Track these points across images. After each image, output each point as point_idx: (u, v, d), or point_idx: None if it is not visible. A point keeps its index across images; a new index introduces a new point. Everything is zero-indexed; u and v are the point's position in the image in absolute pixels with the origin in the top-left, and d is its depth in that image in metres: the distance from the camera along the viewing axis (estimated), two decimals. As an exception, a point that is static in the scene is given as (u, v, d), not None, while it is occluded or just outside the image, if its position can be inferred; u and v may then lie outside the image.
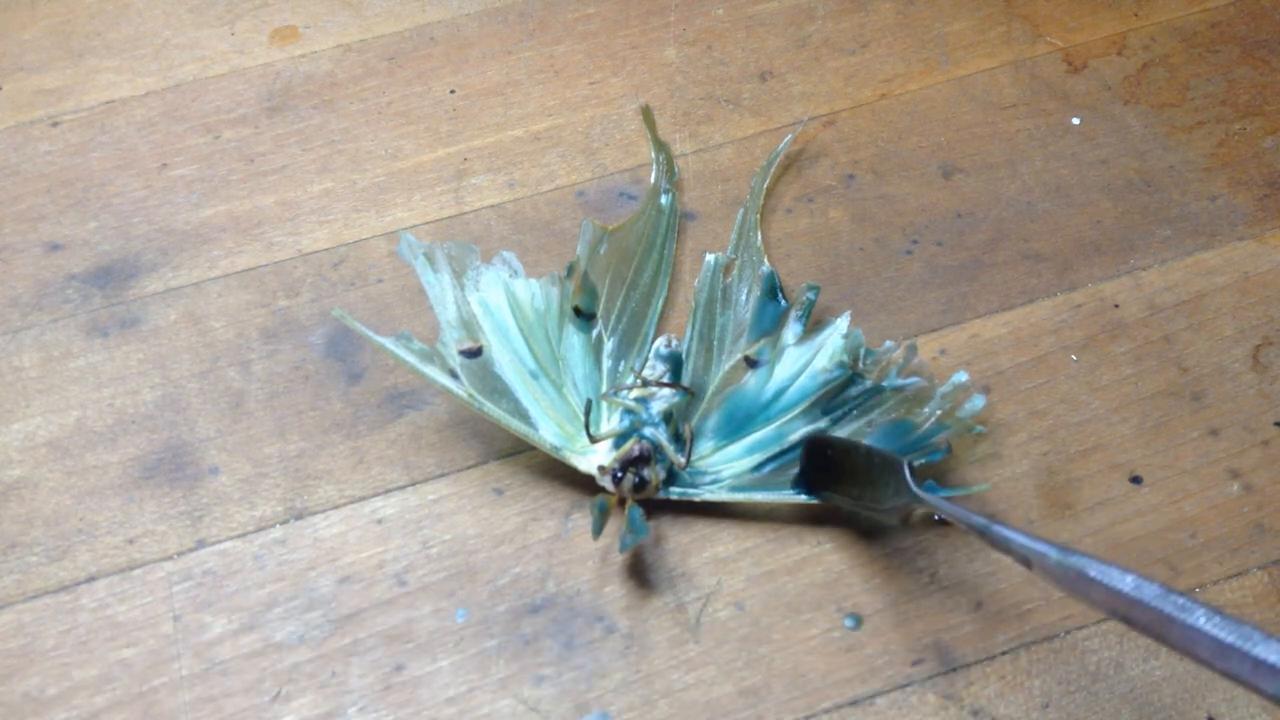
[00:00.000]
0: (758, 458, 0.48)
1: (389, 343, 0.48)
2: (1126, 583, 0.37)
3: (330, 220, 0.56)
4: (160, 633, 0.46)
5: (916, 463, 0.47)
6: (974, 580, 0.46)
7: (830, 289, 0.53)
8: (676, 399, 0.49)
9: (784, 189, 0.57)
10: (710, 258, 0.53)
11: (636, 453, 0.47)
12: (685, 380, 0.50)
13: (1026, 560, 0.39)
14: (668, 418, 0.48)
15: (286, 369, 0.52)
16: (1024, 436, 0.49)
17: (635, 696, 0.44)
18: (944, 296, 0.53)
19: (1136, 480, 0.48)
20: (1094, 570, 0.37)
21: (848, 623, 0.46)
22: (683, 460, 0.47)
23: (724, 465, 0.48)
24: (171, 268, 0.55)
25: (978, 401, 0.48)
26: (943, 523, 0.47)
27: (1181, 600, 0.36)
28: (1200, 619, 0.35)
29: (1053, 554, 0.38)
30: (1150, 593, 0.36)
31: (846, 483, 0.46)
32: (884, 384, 0.49)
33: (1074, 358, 0.51)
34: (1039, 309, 0.53)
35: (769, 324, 0.51)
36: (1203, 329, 0.52)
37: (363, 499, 0.49)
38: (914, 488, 0.42)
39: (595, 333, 0.51)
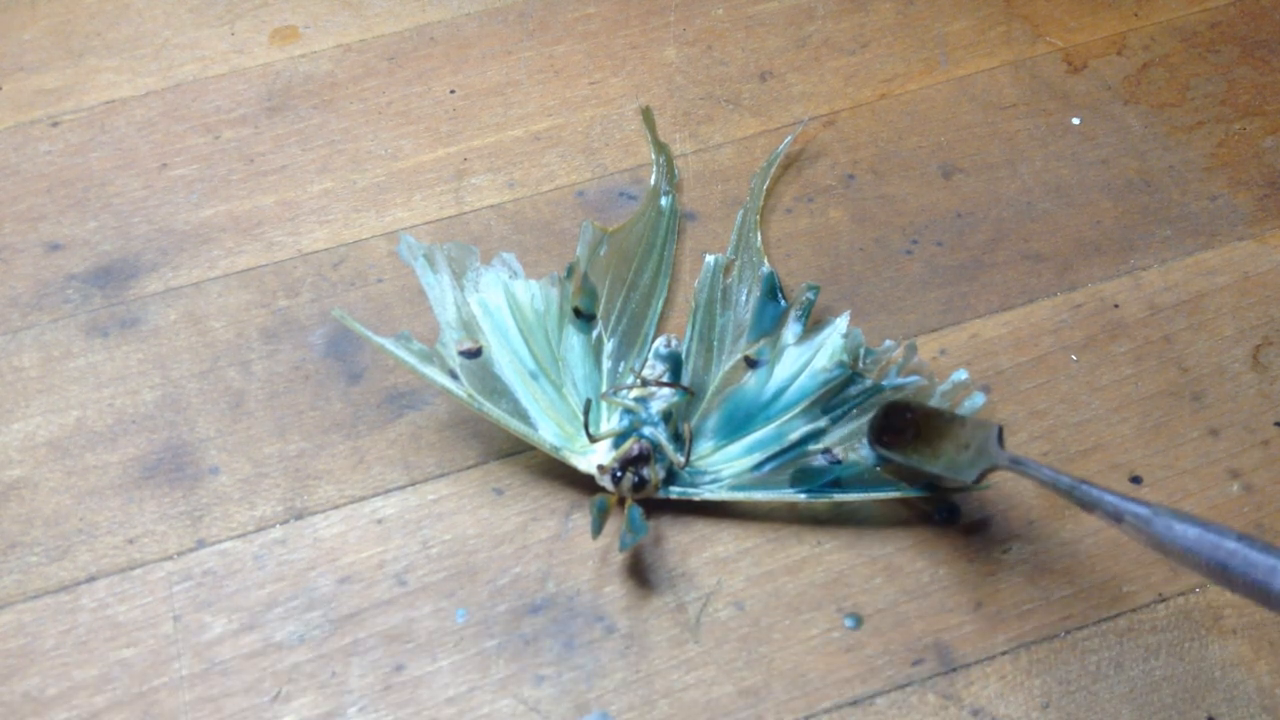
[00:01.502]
0: (757, 457, 0.48)
1: (389, 343, 0.48)
2: (1219, 541, 0.37)
3: (330, 220, 0.56)
4: (160, 633, 0.46)
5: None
6: (974, 580, 0.46)
7: (830, 289, 0.53)
8: (676, 398, 0.49)
9: (784, 189, 0.57)
10: (710, 258, 0.53)
11: (636, 452, 0.47)
12: (685, 380, 0.50)
13: (1117, 517, 0.39)
14: (667, 417, 0.48)
15: (286, 369, 0.52)
16: (1024, 436, 0.49)
17: (635, 696, 0.44)
18: (944, 296, 0.53)
19: (1136, 480, 0.48)
20: (1183, 528, 0.37)
21: (848, 623, 0.46)
22: (682, 459, 0.47)
23: (724, 465, 0.48)
24: (171, 268, 0.55)
25: (977, 399, 0.48)
26: (944, 522, 0.47)
27: (1279, 556, 0.35)
28: None
29: (1144, 512, 0.38)
30: (1245, 550, 0.36)
31: (921, 444, 0.46)
32: (884, 383, 0.49)
33: (1074, 358, 0.51)
34: (1039, 309, 0.53)
35: (769, 324, 0.51)
36: (1203, 329, 0.52)
37: (363, 499, 0.49)
38: (1004, 451, 0.43)
39: (595, 333, 0.51)
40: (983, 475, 0.44)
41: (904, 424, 0.47)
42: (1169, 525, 0.38)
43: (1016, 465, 0.43)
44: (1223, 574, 0.37)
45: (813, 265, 0.54)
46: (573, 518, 0.48)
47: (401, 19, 0.63)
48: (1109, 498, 0.39)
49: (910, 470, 0.47)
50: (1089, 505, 0.40)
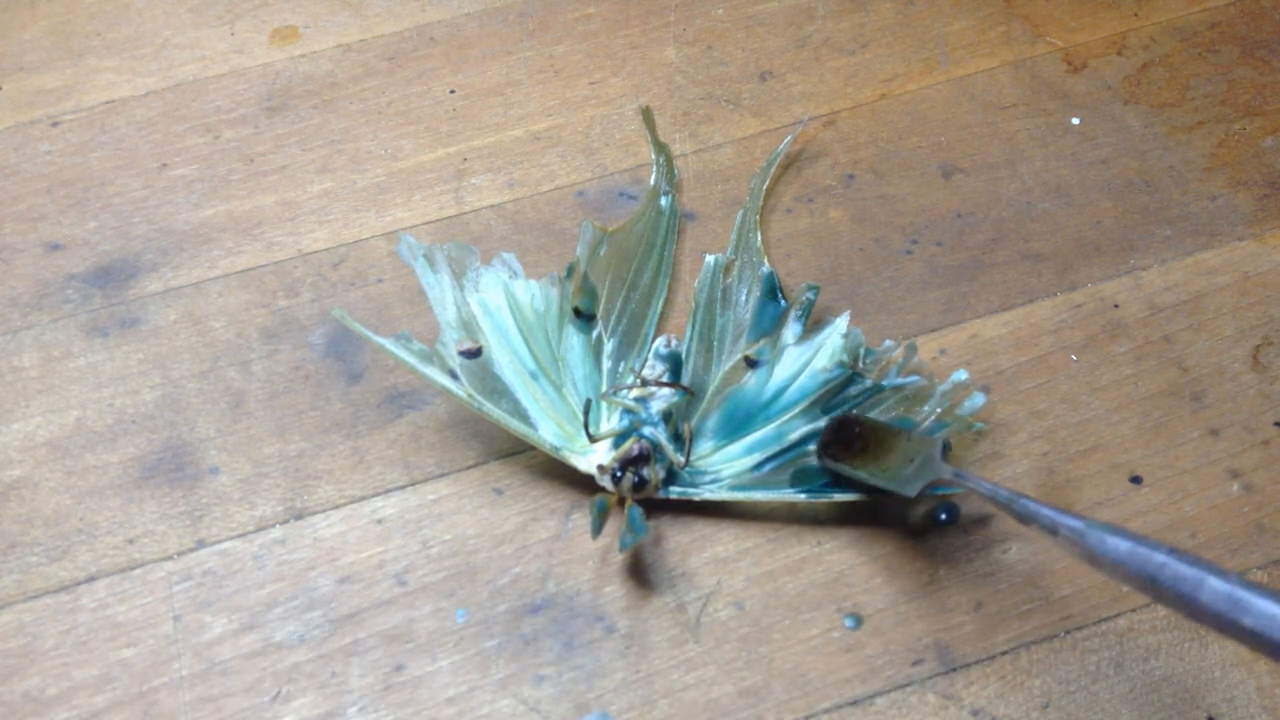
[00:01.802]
0: (757, 457, 0.48)
1: (389, 343, 0.48)
2: (1149, 555, 0.37)
3: (330, 220, 0.56)
4: (160, 633, 0.46)
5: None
6: (974, 580, 0.46)
7: (830, 289, 0.53)
8: (676, 398, 0.49)
9: (784, 189, 0.57)
10: (710, 258, 0.53)
11: (636, 452, 0.47)
12: (685, 380, 0.50)
13: (1052, 530, 0.39)
14: (667, 417, 0.48)
15: (286, 369, 0.52)
16: (1024, 436, 0.49)
17: (635, 696, 0.44)
18: (944, 296, 0.53)
19: (1136, 480, 0.48)
20: (1115, 541, 0.38)
21: (848, 623, 0.46)
22: (682, 459, 0.47)
23: (724, 465, 0.48)
24: (171, 268, 0.55)
25: (977, 399, 0.48)
26: (944, 522, 0.47)
27: (1205, 569, 0.36)
28: (1218, 586, 0.36)
29: (1078, 525, 0.39)
30: (1174, 563, 0.37)
31: (868, 457, 0.46)
32: (884, 383, 0.49)
33: (1074, 358, 0.51)
34: (1039, 309, 0.53)
35: (769, 324, 0.51)
36: (1203, 329, 0.52)
37: (363, 499, 0.49)
38: (945, 465, 0.43)
39: (595, 333, 0.51)
40: (925, 488, 0.44)
41: (852, 437, 0.47)
42: (1101, 539, 0.38)
43: (958, 478, 0.43)
44: (1152, 587, 0.37)
45: (813, 265, 0.54)
46: (573, 518, 0.48)
47: (401, 19, 0.63)
48: (1045, 511, 0.40)
49: (855, 481, 0.47)
50: (1026, 518, 0.40)
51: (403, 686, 0.45)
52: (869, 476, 0.46)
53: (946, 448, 0.44)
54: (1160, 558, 0.37)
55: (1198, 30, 0.62)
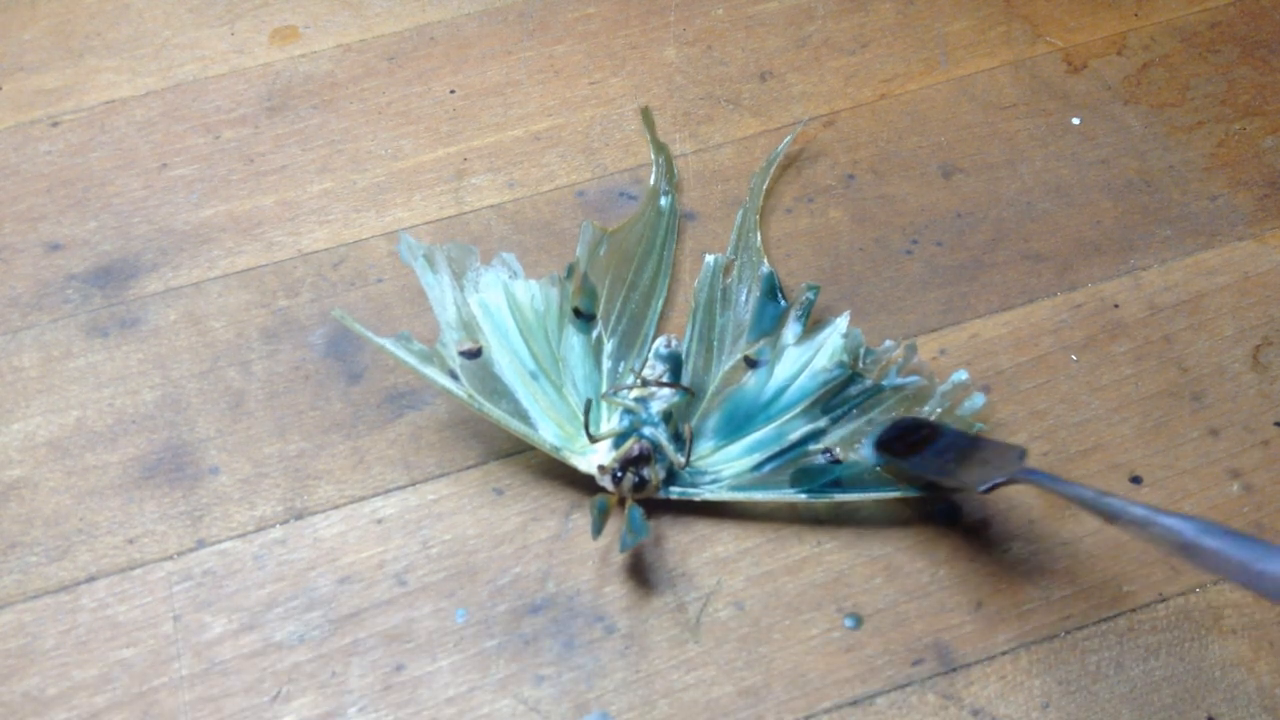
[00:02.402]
0: (757, 457, 0.48)
1: (389, 343, 0.48)
2: (1249, 545, 0.37)
3: (330, 220, 0.56)
4: (160, 633, 0.46)
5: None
6: (974, 580, 0.46)
7: (830, 289, 0.53)
8: (676, 399, 0.49)
9: (784, 189, 0.57)
10: (710, 258, 0.53)
11: (636, 452, 0.47)
12: (685, 380, 0.50)
13: (1146, 525, 0.39)
14: (667, 417, 0.48)
15: (286, 369, 0.52)
16: (1024, 436, 0.49)
17: (635, 696, 0.44)
18: (944, 296, 0.53)
19: (1136, 480, 0.48)
20: (1212, 538, 0.38)
21: (848, 623, 0.46)
22: (683, 460, 0.47)
23: (724, 465, 0.48)
24: (171, 268, 0.55)
25: (977, 400, 0.48)
26: (944, 522, 0.47)
27: None
28: None
29: (1172, 521, 0.38)
30: (1274, 553, 0.37)
31: (929, 456, 0.46)
32: (884, 383, 0.49)
33: (1074, 358, 0.51)
34: (1039, 309, 0.53)
35: (769, 324, 0.51)
36: (1203, 329, 0.52)
37: (363, 499, 0.49)
38: (1028, 469, 0.43)
39: (595, 333, 0.51)
40: (995, 487, 0.43)
41: (918, 440, 0.47)
42: (1201, 532, 0.38)
43: (1033, 478, 0.43)
44: (1255, 576, 0.37)
45: (813, 265, 0.54)
46: (573, 518, 0.48)
47: (401, 19, 0.63)
48: (1136, 509, 0.39)
49: (911, 475, 0.47)
50: (1112, 516, 0.40)
51: (403, 686, 0.45)
52: (932, 475, 0.46)
53: (1023, 454, 0.44)
54: (1261, 548, 0.37)
55: (1198, 30, 0.62)
